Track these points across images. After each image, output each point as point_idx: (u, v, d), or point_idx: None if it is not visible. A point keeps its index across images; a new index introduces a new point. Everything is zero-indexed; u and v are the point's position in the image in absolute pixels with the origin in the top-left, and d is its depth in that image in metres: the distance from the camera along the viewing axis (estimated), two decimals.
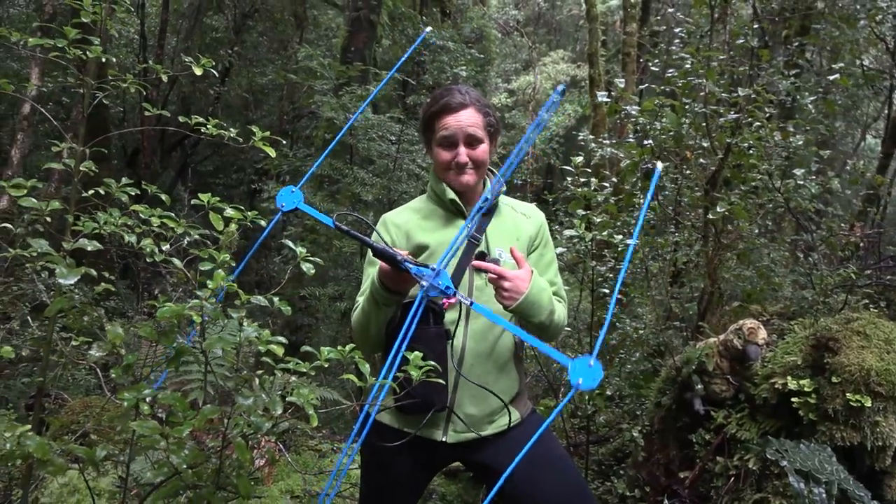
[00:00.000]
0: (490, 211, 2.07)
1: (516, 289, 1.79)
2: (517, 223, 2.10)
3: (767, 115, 3.93)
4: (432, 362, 1.53)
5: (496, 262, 1.92)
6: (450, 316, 1.92)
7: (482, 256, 1.96)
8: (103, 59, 1.67)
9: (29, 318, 4.21)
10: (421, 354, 1.54)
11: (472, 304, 1.59)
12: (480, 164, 2.01)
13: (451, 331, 1.89)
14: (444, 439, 1.94)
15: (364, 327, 1.95)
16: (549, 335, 1.97)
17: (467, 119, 1.96)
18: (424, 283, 1.60)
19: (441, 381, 1.67)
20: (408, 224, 2.03)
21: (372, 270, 1.91)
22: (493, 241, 2.01)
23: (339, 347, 1.48)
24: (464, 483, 3.95)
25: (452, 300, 1.85)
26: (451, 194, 2.00)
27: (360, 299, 1.98)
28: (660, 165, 1.84)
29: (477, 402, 1.94)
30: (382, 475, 2.03)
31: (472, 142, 1.98)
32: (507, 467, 1.42)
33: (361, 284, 2.03)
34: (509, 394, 2.00)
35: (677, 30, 4.31)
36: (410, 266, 1.64)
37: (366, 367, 1.48)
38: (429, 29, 2.24)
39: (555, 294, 2.02)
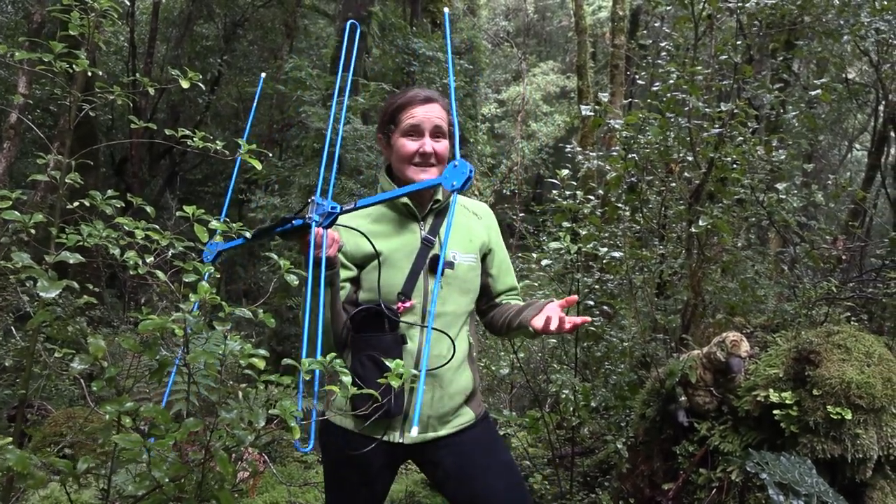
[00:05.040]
0: (442, 211, 2.08)
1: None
2: (469, 224, 2.12)
3: (751, 129, 3.97)
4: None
5: (451, 264, 2.00)
6: (407, 319, 1.95)
7: (436, 259, 1.98)
8: (89, 73, 1.67)
9: (13, 328, 4.18)
10: (402, 362, 1.54)
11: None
12: (441, 160, 2.02)
13: (406, 336, 1.94)
14: (401, 440, 1.98)
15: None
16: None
17: (435, 112, 2.01)
18: (308, 216, 1.77)
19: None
20: (359, 229, 1.95)
21: None
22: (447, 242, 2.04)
23: (321, 358, 1.49)
24: None
25: (408, 304, 1.94)
26: (405, 198, 2.00)
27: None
28: (447, 10, 2.18)
29: (433, 403, 1.98)
30: (346, 479, 2.05)
31: (437, 133, 2.01)
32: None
33: None
34: (465, 393, 2.04)
35: (663, 44, 4.36)
36: (294, 219, 1.80)
37: (347, 379, 1.48)
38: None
39: (516, 296, 2.17)
